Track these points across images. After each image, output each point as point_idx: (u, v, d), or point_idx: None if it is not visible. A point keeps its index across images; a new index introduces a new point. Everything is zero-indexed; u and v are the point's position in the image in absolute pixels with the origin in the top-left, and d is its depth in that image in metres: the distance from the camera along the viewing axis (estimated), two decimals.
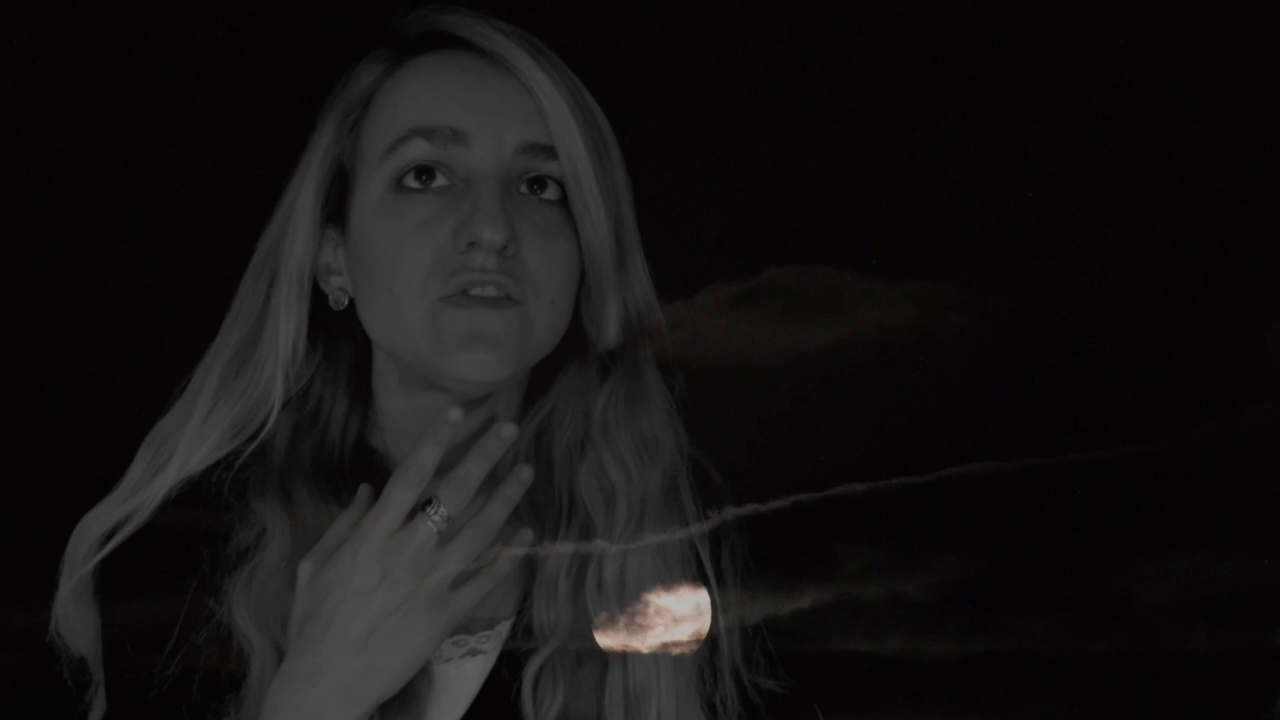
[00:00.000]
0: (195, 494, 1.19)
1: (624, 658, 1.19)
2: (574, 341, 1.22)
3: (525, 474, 1.15)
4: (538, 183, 1.18)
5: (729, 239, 1.55)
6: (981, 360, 1.49)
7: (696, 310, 1.35)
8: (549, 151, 1.17)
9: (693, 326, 1.32)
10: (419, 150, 1.15)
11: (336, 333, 1.24)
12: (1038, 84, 1.53)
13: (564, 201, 1.18)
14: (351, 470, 1.21)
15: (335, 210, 1.22)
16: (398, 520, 1.11)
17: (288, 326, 1.21)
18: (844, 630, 1.27)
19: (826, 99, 1.56)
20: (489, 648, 1.20)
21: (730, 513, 1.21)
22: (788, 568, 1.26)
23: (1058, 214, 1.54)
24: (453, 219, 1.14)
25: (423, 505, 1.12)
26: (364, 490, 1.17)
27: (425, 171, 1.15)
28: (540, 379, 1.24)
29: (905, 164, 1.56)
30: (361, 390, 1.25)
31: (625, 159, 1.22)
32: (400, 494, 1.12)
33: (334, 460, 1.21)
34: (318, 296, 1.23)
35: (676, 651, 1.19)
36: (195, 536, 1.17)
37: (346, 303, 1.22)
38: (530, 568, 1.22)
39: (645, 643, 1.19)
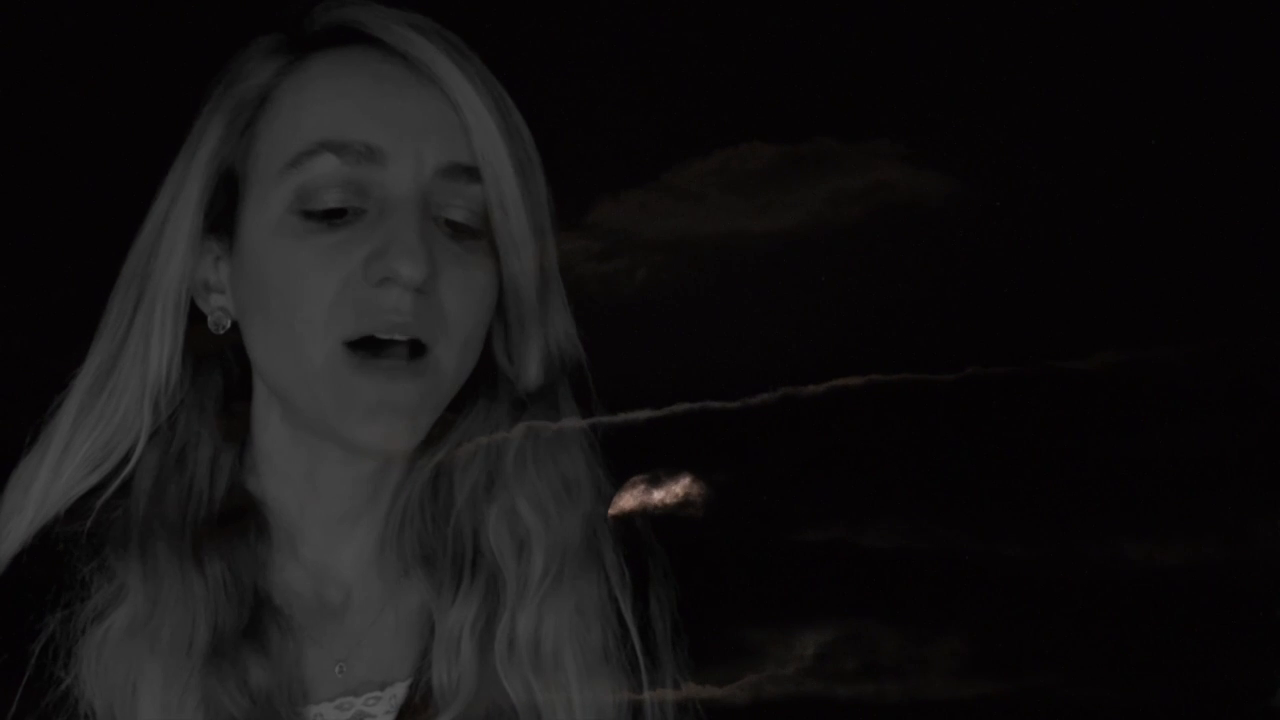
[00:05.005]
0: (49, 543, 1.08)
1: None
2: (483, 372, 1.11)
3: None
4: (458, 208, 1.06)
5: (692, 117, 1.45)
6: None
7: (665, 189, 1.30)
8: (472, 174, 1.06)
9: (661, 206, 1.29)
10: (328, 167, 1.03)
11: (207, 357, 1.12)
12: None
13: (484, 229, 1.07)
14: (223, 521, 1.10)
15: (219, 220, 1.09)
16: None
17: (159, 348, 1.09)
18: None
19: None
20: (379, 711, 1.09)
21: (702, 405, 1.13)
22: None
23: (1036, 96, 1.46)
24: (364, 248, 1.03)
25: None
26: None
27: (336, 210, 1.04)
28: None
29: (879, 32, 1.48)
30: (235, 426, 1.13)
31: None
32: None
33: (200, 512, 1.09)
34: (192, 315, 1.11)
35: None
36: (44, 594, 1.06)
37: (229, 326, 1.09)
38: (428, 622, 1.12)
39: None
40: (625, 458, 1.17)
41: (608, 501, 1.15)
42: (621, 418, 1.14)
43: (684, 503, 1.16)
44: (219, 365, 1.12)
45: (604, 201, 1.32)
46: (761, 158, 1.37)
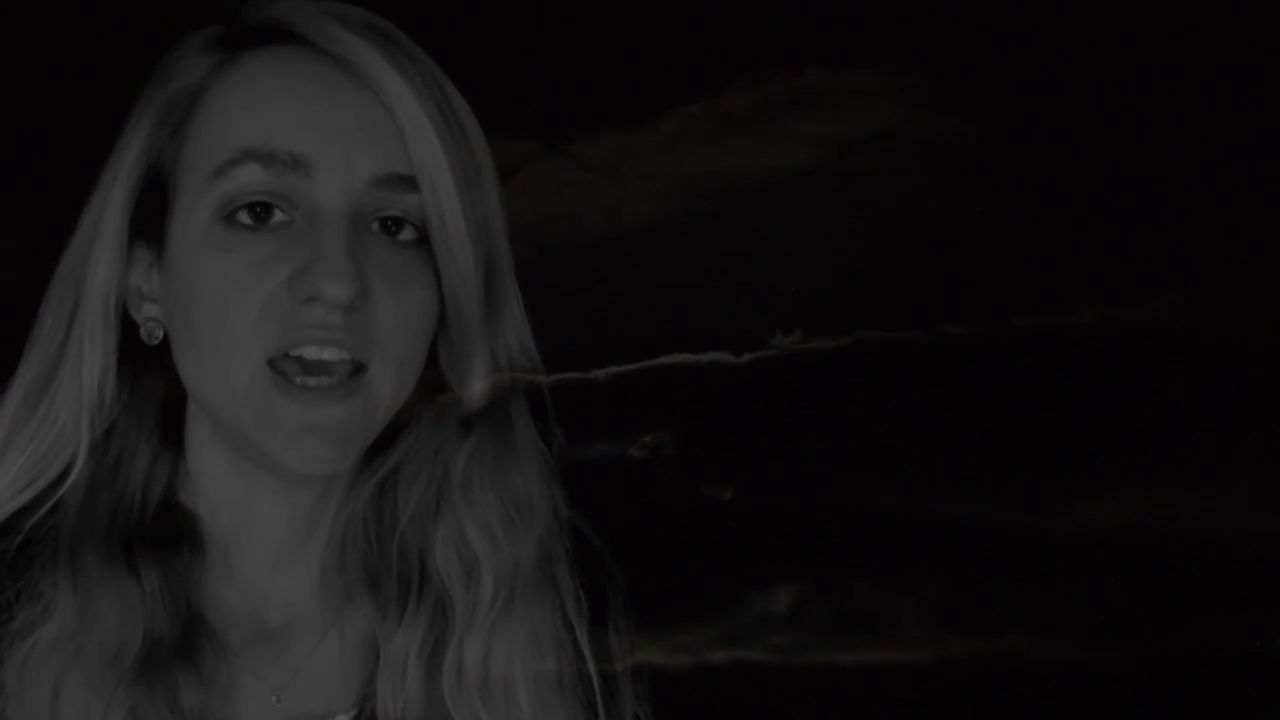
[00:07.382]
0: None
1: None
2: (430, 386, 1.05)
3: None
4: (393, 221, 1.00)
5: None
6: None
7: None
8: (409, 183, 0.99)
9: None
10: (252, 177, 0.98)
11: (146, 365, 1.07)
12: None
13: (423, 240, 1.01)
14: (156, 531, 1.04)
15: (150, 225, 1.04)
16: None
17: (93, 360, 1.04)
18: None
19: None
20: None
21: (702, 360, 1.09)
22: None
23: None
24: (289, 263, 0.97)
25: None
26: None
27: (261, 207, 0.98)
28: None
29: None
30: (172, 435, 1.08)
31: None
32: None
33: (133, 520, 1.04)
34: (127, 324, 1.06)
35: None
36: None
37: (161, 336, 1.05)
38: (373, 650, 1.07)
39: None
40: (591, 412, 1.12)
41: (564, 523, 1.10)
42: (595, 374, 1.10)
43: (654, 453, 1.12)
44: (159, 371, 1.07)
45: (585, 139, 1.27)
46: (748, 96, 1.33)
